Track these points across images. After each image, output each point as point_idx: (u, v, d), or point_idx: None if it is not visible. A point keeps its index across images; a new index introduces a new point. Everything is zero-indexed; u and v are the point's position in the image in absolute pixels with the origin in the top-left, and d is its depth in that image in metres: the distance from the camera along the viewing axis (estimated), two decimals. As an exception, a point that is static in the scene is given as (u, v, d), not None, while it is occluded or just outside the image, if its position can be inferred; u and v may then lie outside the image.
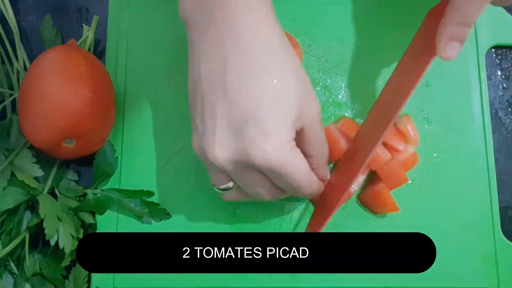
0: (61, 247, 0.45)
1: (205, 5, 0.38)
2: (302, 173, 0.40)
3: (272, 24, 0.39)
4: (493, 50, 0.56)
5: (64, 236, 0.45)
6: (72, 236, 0.46)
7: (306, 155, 0.42)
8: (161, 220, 0.50)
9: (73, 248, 0.46)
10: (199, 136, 0.40)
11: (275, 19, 0.40)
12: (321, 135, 0.43)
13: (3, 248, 0.45)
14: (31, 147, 0.47)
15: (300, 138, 0.41)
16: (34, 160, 0.47)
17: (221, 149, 0.38)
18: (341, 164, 0.50)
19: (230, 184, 0.42)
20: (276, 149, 0.37)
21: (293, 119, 0.39)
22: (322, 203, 0.48)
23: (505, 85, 0.56)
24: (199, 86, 0.39)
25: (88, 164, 0.52)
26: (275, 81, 0.38)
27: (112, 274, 0.49)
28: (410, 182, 0.51)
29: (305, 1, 0.55)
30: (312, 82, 0.53)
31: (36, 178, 0.47)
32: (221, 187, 0.43)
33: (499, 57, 0.56)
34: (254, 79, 0.38)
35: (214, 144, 0.38)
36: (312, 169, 0.43)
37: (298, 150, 0.40)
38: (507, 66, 0.56)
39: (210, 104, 0.38)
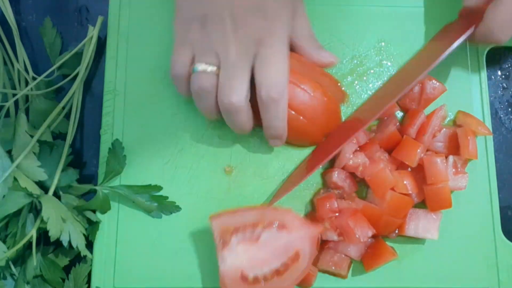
0: (74, 247, 0.46)
1: None
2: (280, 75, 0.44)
3: None
4: (493, 50, 0.56)
5: (75, 235, 0.46)
6: (84, 235, 0.47)
7: None
8: (171, 213, 0.50)
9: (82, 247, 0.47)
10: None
11: None
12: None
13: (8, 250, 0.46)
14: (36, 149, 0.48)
15: None
16: (39, 163, 0.47)
17: None
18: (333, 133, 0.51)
19: (209, 68, 0.44)
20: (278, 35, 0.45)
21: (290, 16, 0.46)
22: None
23: (505, 85, 0.56)
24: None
25: (87, 164, 0.52)
26: None
27: (112, 274, 0.49)
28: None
29: (305, 1, 0.55)
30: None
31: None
32: (201, 66, 0.45)
33: (499, 57, 0.56)
34: None
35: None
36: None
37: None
38: (507, 66, 0.56)
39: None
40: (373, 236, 0.49)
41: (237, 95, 0.44)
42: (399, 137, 0.50)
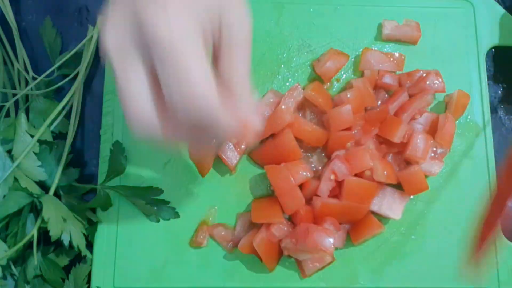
0: (74, 246, 0.46)
1: None
2: (201, 74, 0.30)
3: None
4: (493, 50, 0.56)
5: (76, 235, 0.46)
6: (84, 234, 0.47)
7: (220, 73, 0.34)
8: (169, 219, 0.50)
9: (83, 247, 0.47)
10: None
11: None
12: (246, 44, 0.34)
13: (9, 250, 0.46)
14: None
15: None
16: (39, 163, 0.47)
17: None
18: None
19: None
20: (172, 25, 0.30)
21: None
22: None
23: (505, 85, 0.56)
24: None
25: (87, 164, 0.52)
26: None
27: (112, 274, 0.49)
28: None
29: (305, 1, 0.55)
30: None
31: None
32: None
33: (499, 57, 0.56)
34: None
35: None
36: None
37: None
38: (507, 66, 0.56)
39: None
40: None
41: None
42: (387, 114, 0.50)
